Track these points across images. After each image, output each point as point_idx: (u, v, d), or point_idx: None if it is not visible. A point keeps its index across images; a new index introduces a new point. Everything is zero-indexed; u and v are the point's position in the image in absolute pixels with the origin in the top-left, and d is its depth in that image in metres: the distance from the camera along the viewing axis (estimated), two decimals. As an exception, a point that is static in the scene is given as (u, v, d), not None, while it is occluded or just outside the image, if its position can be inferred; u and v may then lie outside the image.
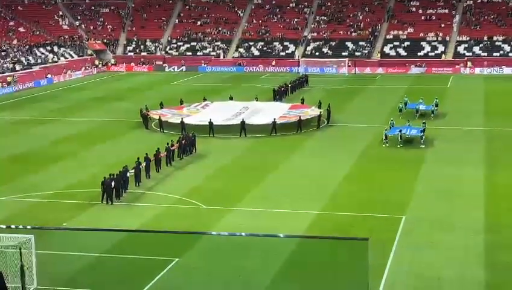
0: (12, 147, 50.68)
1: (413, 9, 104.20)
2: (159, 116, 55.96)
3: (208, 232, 30.75)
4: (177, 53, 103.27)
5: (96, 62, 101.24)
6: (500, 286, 26.07)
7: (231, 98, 65.46)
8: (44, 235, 28.94)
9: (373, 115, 60.20)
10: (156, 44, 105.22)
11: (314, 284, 26.27)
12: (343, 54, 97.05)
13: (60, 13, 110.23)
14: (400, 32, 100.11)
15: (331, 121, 57.08)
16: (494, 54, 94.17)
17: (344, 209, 34.99)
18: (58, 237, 30.53)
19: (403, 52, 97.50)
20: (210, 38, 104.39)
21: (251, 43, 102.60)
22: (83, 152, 48.46)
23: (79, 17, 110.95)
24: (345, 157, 45.51)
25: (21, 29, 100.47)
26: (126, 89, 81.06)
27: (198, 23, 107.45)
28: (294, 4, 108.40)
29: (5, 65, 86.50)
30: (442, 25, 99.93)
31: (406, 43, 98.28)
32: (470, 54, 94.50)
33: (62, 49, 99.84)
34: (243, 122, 53.25)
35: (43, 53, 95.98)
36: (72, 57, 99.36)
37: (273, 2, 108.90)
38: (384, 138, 48.51)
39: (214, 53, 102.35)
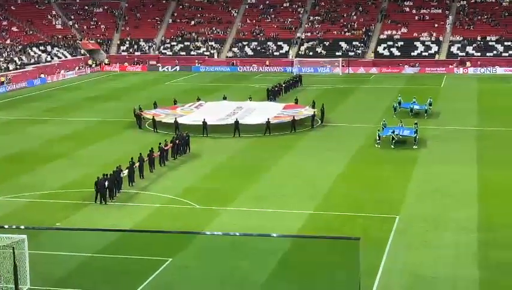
0: (6, 146, 50.50)
1: (407, 9, 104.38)
2: (153, 116, 55.90)
3: (202, 232, 30.75)
4: (170, 53, 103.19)
5: (90, 62, 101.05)
6: (493, 284, 26.13)
7: (225, 98, 65.45)
8: (37, 236, 28.91)
9: (366, 115, 60.28)
10: (150, 44, 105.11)
11: (307, 283, 26.27)
12: (337, 53, 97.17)
13: (54, 13, 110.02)
14: (394, 32, 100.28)
15: (324, 121, 57.14)
16: (488, 54, 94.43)
17: (338, 209, 35.00)
18: (52, 237, 30.43)
19: (396, 52, 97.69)
20: (204, 38, 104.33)
21: (245, 43, 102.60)
22: (76, 152, 48.35)
23: (72, 17, 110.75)
24: (338, 157, 45.55)
25: (14, 29, 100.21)
26: (120, 89, 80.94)
27: (192, 22, 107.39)
28: (288, 4, 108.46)
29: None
30: (436, 25, 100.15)
31: (400, 43, 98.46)
32: (464, 54, 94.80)
33: (55, 49, 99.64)
34: (236, 122, 53.24)
35: (36, 53, 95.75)
36: (66, 57, 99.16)
37: (267, 2, 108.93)
38: (377, 138, 48.55)
39: (208, 53, 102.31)
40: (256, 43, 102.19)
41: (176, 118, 54.88)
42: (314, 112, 57.36)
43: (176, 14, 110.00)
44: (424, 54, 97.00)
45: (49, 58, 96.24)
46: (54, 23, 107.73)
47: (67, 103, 70.58)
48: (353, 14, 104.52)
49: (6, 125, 59.20)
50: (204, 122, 53.08)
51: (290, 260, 28.09)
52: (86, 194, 37.44)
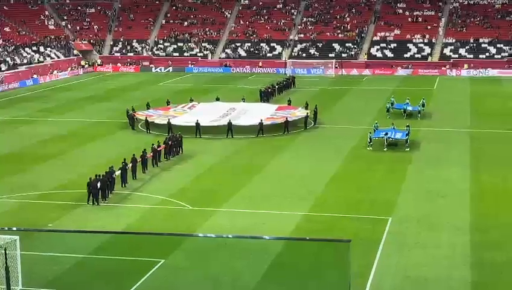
0: (-2, 147, 50.39)
1: (400, 11, 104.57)
2: (146, 117, 55.81)
3: (195, 234, 30.69)
4: (164, 54, 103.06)
5: (83, 62, 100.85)
6: (486, 286, 26.16)
7: (218, 99, 65.40)
8: (29, 237, 28.82)
9: (359, 116, 60.36)
10: (143, 44, 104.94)
11: (299, 284, 26.25)
12: (330, 55, 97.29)
13: (46, 13, 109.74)
14: (387, 33, 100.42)
15: (317, 122, 57.16)
16: (480, 56, 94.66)
17: (330, 210, 35.00)
18: (44, 238, 30.31)
19: (389, 54, 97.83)
20: (197, 39, 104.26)
21: (238, 44, 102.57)
22: (68, 153, 48.21)
23: (65, 18, 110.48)
24: (331, 159, 45.56)
25: (7, 29, 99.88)
26: (112, 90, 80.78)
27: (185, 23, 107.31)
28: (281, 5, 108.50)
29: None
30: (429, 27, 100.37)
31: (393, 45, 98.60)
32: (456, 55, 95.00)
33: (48, 49, 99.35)
34: (229, 123, 53.19)
35: (29, 53, 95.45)
36: (58, 58, 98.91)
37: (260, 3, 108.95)
38: (368, 140, 48.54)
39: (201, 54, 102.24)
40: (249, 44, 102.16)
41: (169, 119, 54.79)
42: (307, 113, 57.36)
43: (169, 15, 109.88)
44: (417, 55, 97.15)
45: (41, 59, 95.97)
46: (46, 23, 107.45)
47: (60, 104, 70.37)
48: (346, 15, 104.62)
49: (-2, 126, 59.03)
50: (197, 123, 53.01)
51: (282, 262, 28.04)
52: (78, 194, 37.31)
